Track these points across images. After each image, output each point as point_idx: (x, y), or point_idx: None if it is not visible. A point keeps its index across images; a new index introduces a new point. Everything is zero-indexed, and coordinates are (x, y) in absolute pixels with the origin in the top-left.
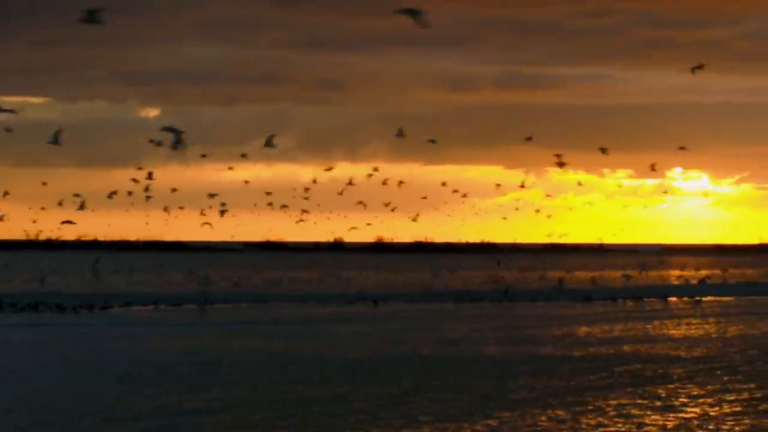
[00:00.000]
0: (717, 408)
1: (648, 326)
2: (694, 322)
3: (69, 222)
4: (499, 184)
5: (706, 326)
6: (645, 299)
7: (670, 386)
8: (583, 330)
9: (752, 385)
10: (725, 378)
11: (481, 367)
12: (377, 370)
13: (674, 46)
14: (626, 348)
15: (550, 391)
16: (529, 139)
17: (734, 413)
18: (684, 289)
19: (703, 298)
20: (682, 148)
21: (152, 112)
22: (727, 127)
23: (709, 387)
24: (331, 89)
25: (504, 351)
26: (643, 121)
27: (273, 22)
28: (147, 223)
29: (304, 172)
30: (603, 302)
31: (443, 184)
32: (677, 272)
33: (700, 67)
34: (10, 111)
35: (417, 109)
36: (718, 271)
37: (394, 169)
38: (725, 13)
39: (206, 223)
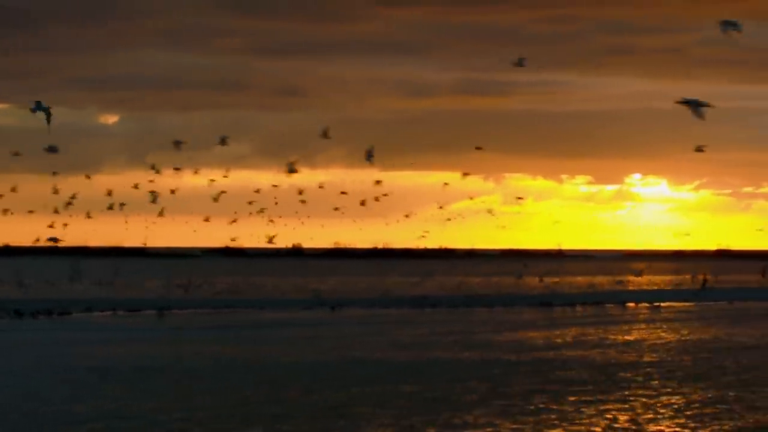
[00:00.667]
0: (657, 412)
1: (601, 332)
2: (647, 327)
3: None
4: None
5: (659, 332)
6: (604, 305)
7: (616, 391)
8: (536, 335)
9: (693, 389)
10: (668, 382)
11: (431, 372)
12: (328, 375)
13: (633, 52)
14: (576, 353)
15: (497, 396)
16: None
17: (670, 417)
18: (642, 295)
19: (661, 304)
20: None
21: (112, 119)
22: (686, 133)
23: (651, 391)
24: (291, 96)
25: (455, 356)
26: (602, 127)
27: (232, 29)
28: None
29: (262, 178)
30: (562, 308)
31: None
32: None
33: (521, 62)
34: (47, 110)
35: (376, 115)
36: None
37: (352, 175)
38: (684, 20)
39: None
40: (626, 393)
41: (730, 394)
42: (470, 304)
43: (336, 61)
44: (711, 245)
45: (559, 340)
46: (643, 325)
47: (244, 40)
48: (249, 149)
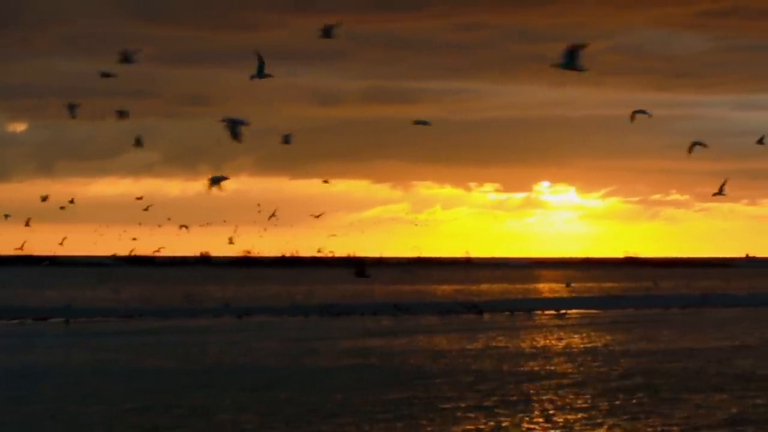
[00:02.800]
0: (520, 421)
1: (498, 340)
2: (542, 335)
3: None
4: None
5: (552, 339)
6: (512, 312)
7: (487, 399)
8: (431, 343)
9: (565, 397)
10: (540, 390)
11: (311, 379)
12: (206, 382)
13: (542, 60)
14: (462, 361)
15: (367, 404)
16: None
17: (534, 425)
18: (549, 303)
19: (567, 311)
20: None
21: (20, 127)
22: (595, 141)
23: (519, 398)
24: (198, 104)
25: (342, 363)
26: (511, 135)
27: (138, 37)
28: None
29: (170, 186)
30: (469, 316)
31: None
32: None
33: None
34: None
35: (285, 123)
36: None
37: (261, 183)
38: (594, 28)
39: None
40: (496, 401)
41: (603, 401)
42: (378, 311)
43: (244, 68)
44: (619, 253)
45: (446, 348)
46: (539, 333)
47: (152, 48)
48: (157, 157)
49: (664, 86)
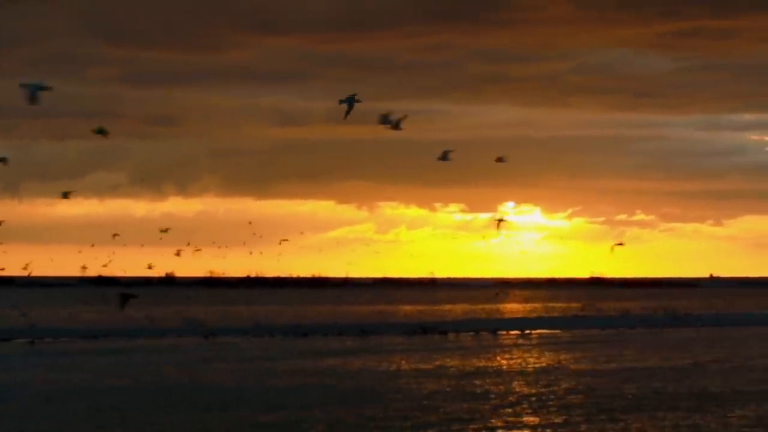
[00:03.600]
0: None
1: (458, 359)
2: (502, 354)
3: None
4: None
5: (512, 359)
6: (478, 332)
7: (437, 417)
8: (392, 363)
9: (511, 416)
10: (489, 409)
11: (273, 398)
12: (173, 402)
13: (507, 80)
14: (424, 381)
15: (330, 423)
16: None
17: None
18: (513, 323)
19: (532, 332)
20: None
21: None
22: (560, 161)
23: (469, 416)
24: (163, 124)
25: (301, 382)
26: (476, 155)
27: (106, 57)
28: None
29: (136, 206)
30: (437, 335)
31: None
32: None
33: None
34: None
35: (250, 144)
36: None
37: (226, 204)
38: (558, 48)
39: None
40: (449, 419)
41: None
42: (343, 332)
43: (209, 89)
44: (584, 273)
45: (405, 367)
46: (501, 352)
47: (118, 68)
48: (123, 178)
49: (628, 106)
